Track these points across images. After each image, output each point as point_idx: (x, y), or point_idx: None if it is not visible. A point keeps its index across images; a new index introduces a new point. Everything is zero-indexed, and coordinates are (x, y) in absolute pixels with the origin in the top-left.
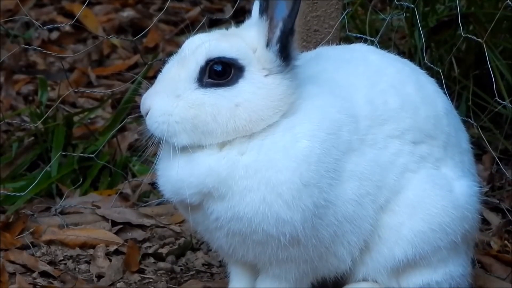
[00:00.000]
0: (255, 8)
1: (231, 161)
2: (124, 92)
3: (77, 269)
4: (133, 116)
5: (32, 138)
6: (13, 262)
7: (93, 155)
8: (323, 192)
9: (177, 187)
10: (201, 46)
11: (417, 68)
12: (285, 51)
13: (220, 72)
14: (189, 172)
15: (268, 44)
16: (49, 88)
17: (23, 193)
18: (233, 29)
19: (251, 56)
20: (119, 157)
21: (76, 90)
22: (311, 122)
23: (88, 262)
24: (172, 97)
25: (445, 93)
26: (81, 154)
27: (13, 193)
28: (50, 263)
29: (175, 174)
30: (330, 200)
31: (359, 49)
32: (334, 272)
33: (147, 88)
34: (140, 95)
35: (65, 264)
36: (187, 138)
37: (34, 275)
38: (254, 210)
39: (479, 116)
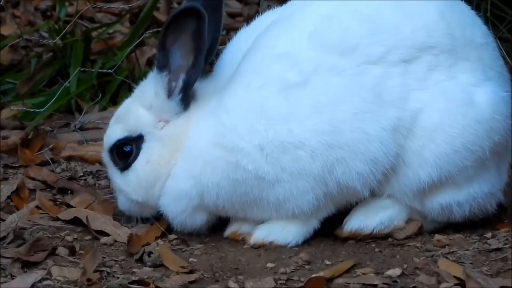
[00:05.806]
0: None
1: None
2: (143, 6)
3: (97, 184)
4: (151, 31)
5: (51, 53)
6: (33, 179)
7: (111, 70)
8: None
9: None
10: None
11: None
12: (187, 98)
13: (127, 152)
14: None
15: (169, 95)
16: (67, 4)
17: (42, 109)
18: (129, 100)
19: (144, 122)
20: (138, 72)
21: (94, 5)
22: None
23: (107, 178)
24: (118, 191)
25: None
26: (100, 70)
27: (32, 109)
28: (70, 179)
29: None
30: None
31: None
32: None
33: None
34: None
35: (85, 179)
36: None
37: (54, 191)
38: None
39: (497, 27)
